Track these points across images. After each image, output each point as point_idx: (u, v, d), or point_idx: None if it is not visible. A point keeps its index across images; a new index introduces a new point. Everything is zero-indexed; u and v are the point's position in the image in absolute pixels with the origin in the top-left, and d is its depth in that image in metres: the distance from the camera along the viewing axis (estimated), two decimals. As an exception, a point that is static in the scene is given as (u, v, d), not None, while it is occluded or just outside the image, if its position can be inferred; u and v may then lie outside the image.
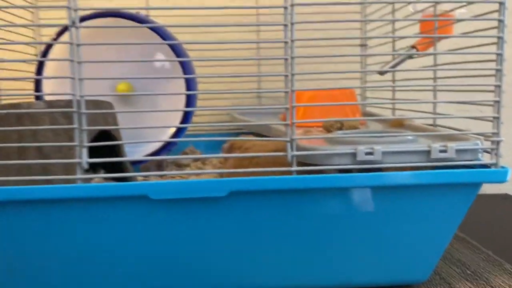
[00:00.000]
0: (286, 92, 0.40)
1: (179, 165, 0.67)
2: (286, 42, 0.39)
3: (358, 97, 0.73)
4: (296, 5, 0.38)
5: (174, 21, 0.75)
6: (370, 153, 0.40)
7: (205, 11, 0.75)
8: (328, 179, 0.40)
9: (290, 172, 0.40)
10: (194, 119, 0.78)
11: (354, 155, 0.40)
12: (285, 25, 0.39)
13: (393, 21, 0.63)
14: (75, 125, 0.39)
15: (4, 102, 0.61)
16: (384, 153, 0.40)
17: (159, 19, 0.71)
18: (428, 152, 0.40)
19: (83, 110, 0.38)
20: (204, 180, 0.40)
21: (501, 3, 0.39)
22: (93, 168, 0.48)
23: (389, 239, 0.43)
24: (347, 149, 0.40)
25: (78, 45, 0.38)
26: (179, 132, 0.62)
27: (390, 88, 0.63)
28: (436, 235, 0.43)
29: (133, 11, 0.61)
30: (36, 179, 0.40)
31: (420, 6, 0.56)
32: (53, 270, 0.41)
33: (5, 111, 0.41)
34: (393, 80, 0.64)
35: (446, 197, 0.42)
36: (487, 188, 0.67)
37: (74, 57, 0.38)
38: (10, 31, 0.63)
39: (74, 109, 0.38)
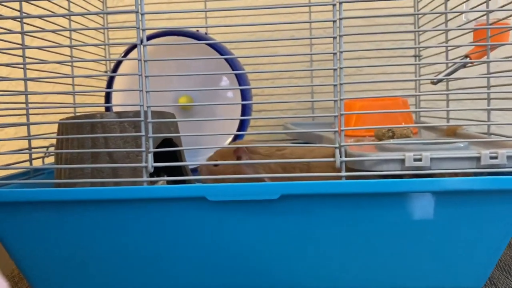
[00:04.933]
0: (335, 101, 0.42)
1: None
2: (334, 54, 0.41)
3: (412, 108, 0.73)
4: (344, 18, 0.41)
5: (231, 37, 0.80)
6: (419, 159, 0.40)
7: (260, 27, 0.78)
8: (377, 185, 0.41)
9: (339, 178, 0.42)
10: (250, 131, 0.81)
11: (402, 161, 0.41)
12: (334, 38, 0.41)
13: (446, 31, 0.63)
14: (142, 133, 0.43)
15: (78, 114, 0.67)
16: (433, 159, 0.41)
17: (217, 36, 0.75)
18: (478, 159, 0.41)
19: (150, 119, 0.42)
20: (257, 184, 0.42)
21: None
22: (157, 173, 0.52)
23: (441, 245, 0.43)
24: (396, 155, 0.41)
25: (145, 61, 0.42)
26: (235, 141, 0.66)
27: (444, 98, 0.63)
28: (490, 243, 0.43)
29: (194, 30, 0.66)
30: (107, 181, 0.44)
31: (472, 16, 0.56)
32: (118, 265, 0.45)
33: (81, 121, 0.46)
34: (447, 90, 0.64)
35: (500, 204, 0.42)
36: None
37: (142, 72, 0.42)
38: (84, 51, 0.70)
39: (142, 119, 0.43)
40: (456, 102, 0.75)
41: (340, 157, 0.42)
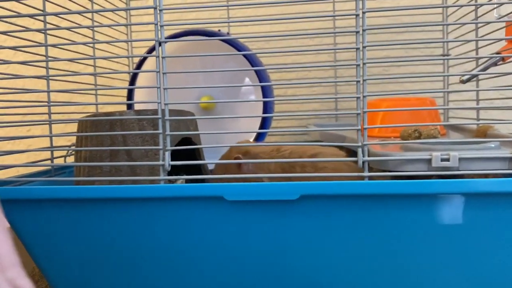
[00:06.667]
0: (357, 98, 0.40)
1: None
2: (357, 49, 0.39)
3: (440, 110, 0.71)
4: (368, 11, 0.39)
5: (253, 41, 0.79)
6: (446, 159, 0.38)
7: (283, 25, 0.77)
8: (404, 185, 0.39)
9: (362, 178, 0.40)
10: (271, 136, 0.80)
11: (429, 161, 0.39)
12: (357, 32, 0.39)
13: (476, 28, 0.61)
14: (160, 131, 0.42)
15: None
16: (461, 159, 0.39)
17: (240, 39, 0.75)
18: (510, 159, 0.38)
19: (167, 117, 0.42)
20: (276, 183, 0.41)
21: None
22: (176, 172, 0.51)
23: (473, 251, 0.41)
24: (422, 155, 0.39)
25: (163, 57, 0.42)
26: (257, 140, 0.65)
27: (474, 98, 0.60)
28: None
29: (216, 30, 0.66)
30: (125, 179, 0.44)
31: (505, 11, 0.53)
32: (136, 264, 0.44)
33: (100, 118, 0.46)
34: (477, 89, 0.61)
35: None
36: None
37: (160, 68, 0.42)
38: (106, 51, 0.70)
39: (159, 116, 0.42)
40: (486, 103, 0.72)
41: (363, 156, 0.40)
